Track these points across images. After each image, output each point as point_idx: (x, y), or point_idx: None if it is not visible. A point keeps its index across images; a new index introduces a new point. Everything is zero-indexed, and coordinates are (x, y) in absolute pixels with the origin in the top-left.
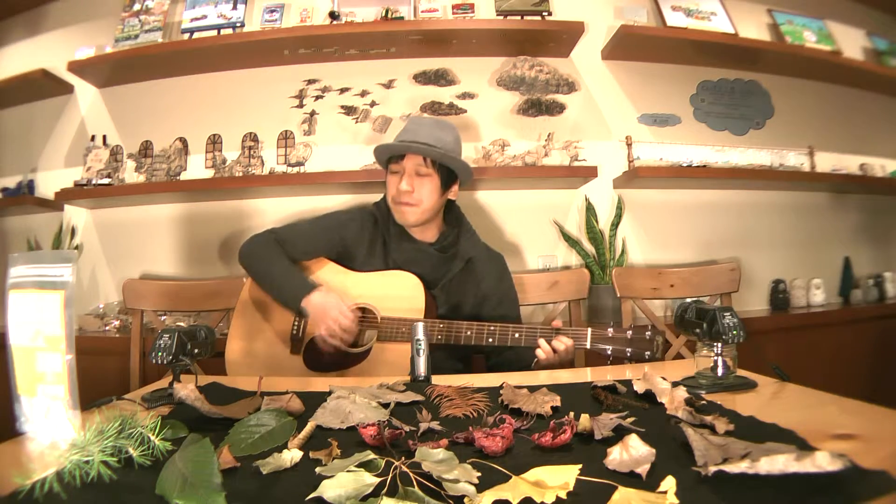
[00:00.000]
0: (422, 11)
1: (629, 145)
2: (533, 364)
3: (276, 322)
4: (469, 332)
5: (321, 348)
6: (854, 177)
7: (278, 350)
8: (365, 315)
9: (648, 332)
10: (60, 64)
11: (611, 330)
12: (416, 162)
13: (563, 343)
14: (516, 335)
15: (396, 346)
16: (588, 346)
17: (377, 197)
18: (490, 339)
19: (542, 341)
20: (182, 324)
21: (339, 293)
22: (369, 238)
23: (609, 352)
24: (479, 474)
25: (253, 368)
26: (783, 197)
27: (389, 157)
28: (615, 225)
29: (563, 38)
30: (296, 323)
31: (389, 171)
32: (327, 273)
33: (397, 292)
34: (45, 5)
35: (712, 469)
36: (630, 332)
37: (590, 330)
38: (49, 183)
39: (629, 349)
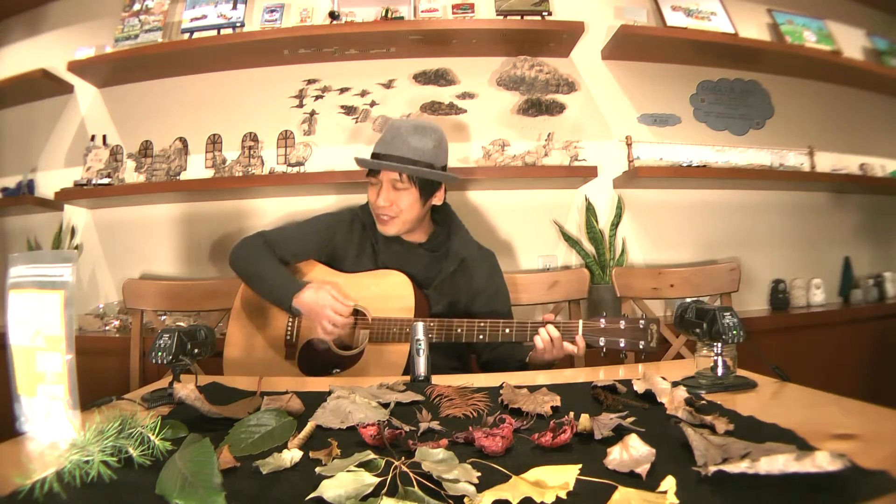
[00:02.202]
0: (422, 11)
1: (629, 145)
2: (528, 358)
3: (270, 328)
4: (460, 330)
5: (317, 347)
6: (854, 177)
7: (273, 356)
8: (357, 316)
9: (642, 322)
10: (60, 64)
11: (603, 321)
12: (392, 177)
13: (557, 330)
14: (507, 331)
15: (389, 347)
16: None
17: None
18: (481, 336)
19: (542, 330)
20: (182, 324)
21: None
22: (358, 240)
23: (602, 343)
24: (479, 474)
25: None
26: (783, 197)
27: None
28: (615, 225)
29: (563, 38)
30: (289, 328)
31: (369, 183)
32: (317, 275)
33: (387, 292)
34: (45, 5)
35: (712, 469)
36: (623, 323)
37: (581, 322)
38: (49, 183)
39: (622, 340)
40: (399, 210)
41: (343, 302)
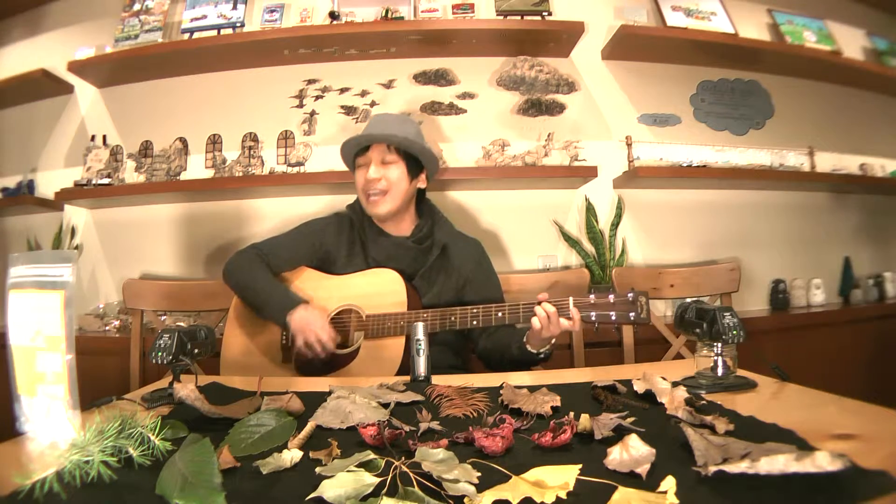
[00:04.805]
0: (422, 11)
1: (629, 145)
2: (525, 338)
3: (266, 333)
4: (453, 318)
5: (305, 355)
6: (854, 177)
7: (269, 359)
8: (350, 316)
9: (631, 294)
10: (60, 64)
11: (593, 296)
12: (381, 150)
13: (552, 306)
14: (499, 314)
15: (384, 342)
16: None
17: None
18: (475, 322)
19: (538, 308)
20: (182, 324)
21: (323, 298)
22: (347, 240)
23: (594, 317)
24: (479, 474)
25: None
26: (783, 197)
27: (356, 152)
28: (615, 225)
29: (563, 38)
30: (284, 333)
31: (356, 167)
32: (309, 281)
33: (379, 289)
34: (45, 5)
35: (712, 469)
36: (612, 297)
37: (571, 299)
38: (49, 183)
39: (613, 313)
40: (389, 184)
41: (323, 334)
